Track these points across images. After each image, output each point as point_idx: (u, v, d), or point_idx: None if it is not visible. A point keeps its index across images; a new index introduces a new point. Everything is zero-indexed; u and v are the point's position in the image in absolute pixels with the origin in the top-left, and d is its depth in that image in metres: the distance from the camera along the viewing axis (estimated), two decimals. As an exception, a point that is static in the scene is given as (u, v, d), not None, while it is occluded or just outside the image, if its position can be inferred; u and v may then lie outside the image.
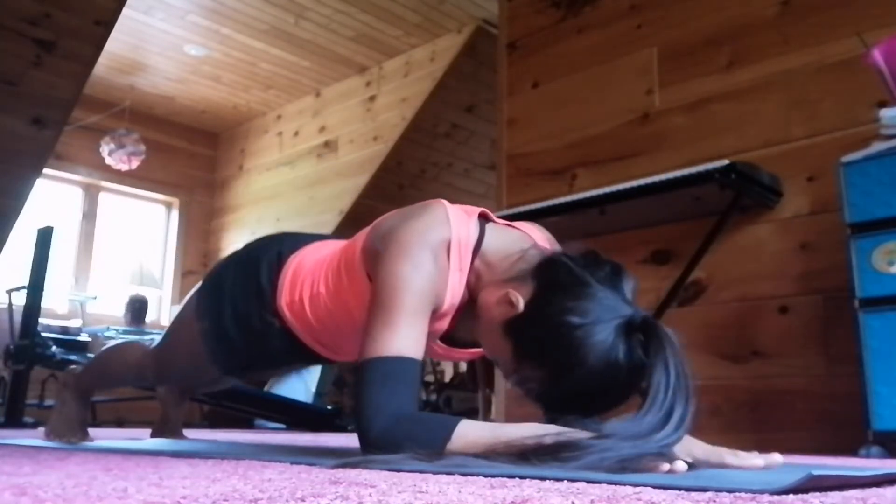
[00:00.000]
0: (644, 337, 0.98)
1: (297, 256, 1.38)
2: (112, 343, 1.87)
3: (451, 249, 1.12)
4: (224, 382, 1.73)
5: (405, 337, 1.05)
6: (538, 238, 1.24)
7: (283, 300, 1.34)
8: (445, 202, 1.18)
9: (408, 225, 1.13)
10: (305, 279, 1.32)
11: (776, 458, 1.02)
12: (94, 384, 1.91)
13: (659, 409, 0.89)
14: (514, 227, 1.24)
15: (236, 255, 1.52)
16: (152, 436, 2.03)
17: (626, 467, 0.83)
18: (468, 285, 1.16)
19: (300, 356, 1.42)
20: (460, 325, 1.21)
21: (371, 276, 1.16)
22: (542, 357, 1.01)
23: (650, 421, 0.88)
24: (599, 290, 1.01)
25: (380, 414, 1.00)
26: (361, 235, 1.25)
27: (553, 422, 0.97)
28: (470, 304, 1.17)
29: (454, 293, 1.14)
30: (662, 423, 0.88)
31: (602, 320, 0.98)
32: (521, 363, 1.05)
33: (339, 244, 1.36)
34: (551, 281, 1.04)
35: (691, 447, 1.01)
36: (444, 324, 1.18)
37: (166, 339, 1.62)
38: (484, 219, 1.21)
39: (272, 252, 1.41)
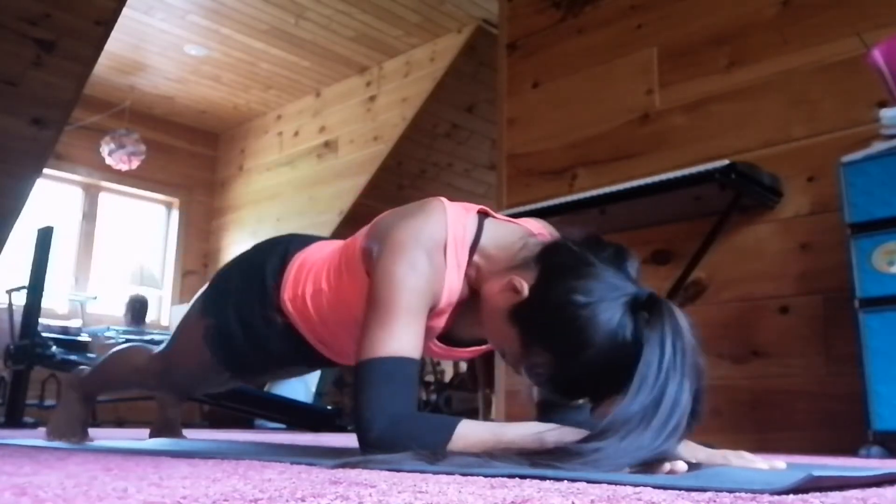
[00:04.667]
0: (649, 314, 0.96)
1: (302, 255, 1.38)
2: (115, 345, 1.86)
3: (447, 247, 1.12)
4: (227, 385, 1.73)
5: (402, 337, 1.05)
6: (538, 230, 1.24)
7: (286, 295, 1.34)
8: (444, 200, 1.18)
9: (404, 224, 1.13)
10: (308, 276, 1.32)
11: (779, 465, 1.01)
12: (98, 389, 1.91)
13: (651, 388, 0.86)
14: (513, 221, 1.24)
15: (243, 256, 1.53)
16: (151, 436, 2.03)
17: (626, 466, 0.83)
18: (468, 281, 1.16)
19: (303, 357, 1.42)
20: (458, 324, 1.21)
21: (369, 274, 1.16)
22: (550, 340, 1.00)
23: (642, 401, 0.86)
24: (603, 270, 1.00)
25: (379, 414, 1.00)
26: (361, 233, 1.25)
27: (553, 421, 0.97)
28: (469, 301, 1.17)
29: (452, 291, 1.14)
30: (654, 406, 0.85)
31: (607, 298, 0.97)
32: (528, 350, 1.04)
33: (342, 242, 1.36)
34: (554, 264, 1.04)
35: (695, 451, 1.00)
36: (441, 322, 1.18)
37: (173, 341, 1.61)
38: (483, 214, 1.21)
39: (277, 251, 1.42)
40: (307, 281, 1.32)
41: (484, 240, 1.16)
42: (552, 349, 1.00)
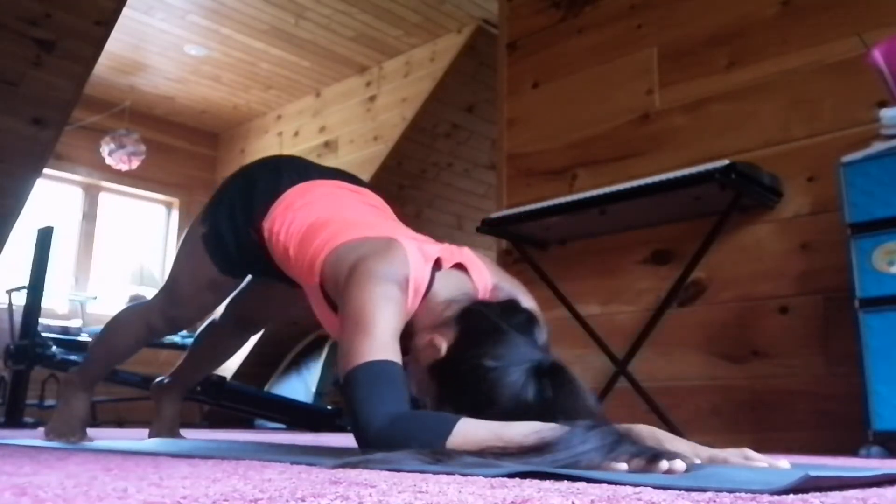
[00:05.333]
0: (551, 379, 1.06)
1: (291, 194, 1.51)
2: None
3: (409, 287, 1.20)
4: (225, 297, 1.80)
5: (384, 344, 1.10)
6: (483, 277, 1.31)
7: (266, 224, 1.50)
8: (405, 243, 1.25)
9: (374, 259, 1.20)
10: (284, 225, 1.45)
11: (782, 464, 1.01)
12: (100, 368, 1.91)
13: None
14: (462, 267, 1.30)
15: (241, 172, 1.69)
16: (151, 436, 2.03)
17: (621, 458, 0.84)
18: (412, 319, 1.23)
19: (276, 275, 1.55)
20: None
21: (336, 302, 1.25)
22: (461, 396, 1.09)
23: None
24: (513, 336, 1.11)
25: (376, 415, 1.01)
26: (323, 253, 1.32)
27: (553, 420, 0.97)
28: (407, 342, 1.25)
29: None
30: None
31: (514, 364, 1.07)
32: (443, 403, 1.13)
33: (319, 209, 1.45)
34: (470, 328, 1.15)
35: (698, 451, 1.00)
36: None
37: (174, 263, 1.75)
38: (437, 266, 1.27)
39: (272, 178, 1.56)
40: (282, 228, 1.45)
41: (433, 291, 1.24)
42: (463, 404, 1.07)
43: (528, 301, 1.31)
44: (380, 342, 1.09)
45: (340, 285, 1.22)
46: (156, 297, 1.78)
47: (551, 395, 1.04)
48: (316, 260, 1.32)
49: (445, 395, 1.14)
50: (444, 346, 1.15)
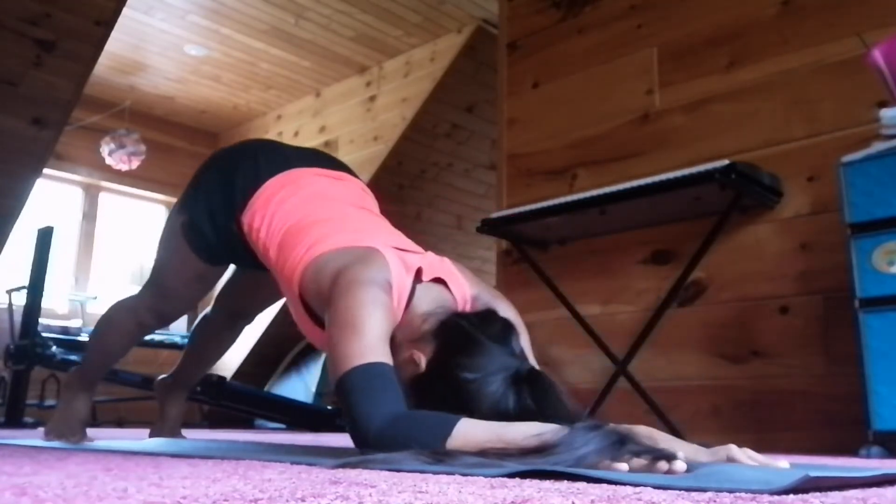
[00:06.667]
0: (530, 387, 1.08)
1: (273, 185, 1.49)
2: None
3: (392, 292, 1.20)
4: (212, 285, 1.79)
5: (374, 347, 1.10)
6: (462, 289, 1.32)
7: (245, 218, 1.49)
8: (386, 253, 1.25)
9: (357, 266, 1.20)
10: (264, 220, 1.44)
11: (782, 464, 1.01)
12: (98, 369, 1.91)
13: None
14: (440, 280, 1.30)
15: (217, 160, 1.66)
16: (151, 435, 2.03)
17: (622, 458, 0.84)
18: (394, 332, 1.22)
19: (257, 265, 1.54)
20: None
21: (319, 313, 1.25)
22: (443, 409, 1.08)
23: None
24: (490, 347, 1.12)
25: (374, 416, 1.01)
26: (303, 260, 1.31)
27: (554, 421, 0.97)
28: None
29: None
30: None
31: (492, 373, 1.09)
32: None
33: (301, 207, 1.44)
34: (447, 341, 1.17)
35: (698, 453, 1.00)
36: None
37: (156, 256, 1.74)
38: (417, 278, 1.27)
39: (250, 170, 1.54)
40: (262, 223, 1.44)
41: (414, 303, 1.24)
42: None
43: (506, 310, 1.31)
44: (371, 344, 1.09)
45: (324, 295, 1.21)
46: (142, 292, 1.77)
47: (531, 402, 1.05)
48: (295, 270, 1.31)
49: (427, 409, 1.12)
50: (423, 360, 1.17)
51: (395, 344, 1.21)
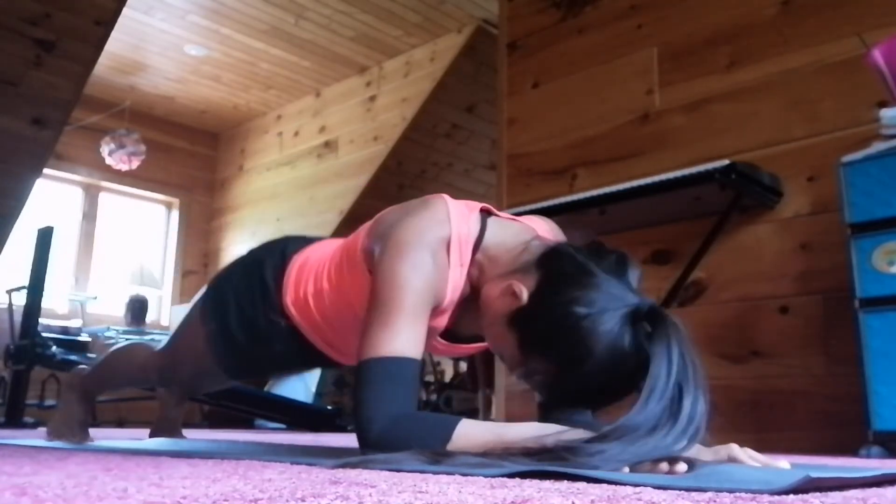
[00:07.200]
0: (650, 326, 0.96)
1: (302, 255, 1.38)
2: (115, 345, 1.88)
3: (451, 246, 1.11)
4: (228, 383, 1.74)
5: (404, 337, 1.04)
6: (543, 230, 1.23)
7: (289, 298, 1.33)
8: (447, 197, 1.17)
9: (407, 223, 1.12)
10: (309, 276, 1.32)
11: (782, 464, 1.01)
12: (99, 386, 1.91)
13: (660, 398, 0.86)
14: (517, 220, 1.24)
15: (241, 259, 1.52)
16: (151, 435, 2.03)
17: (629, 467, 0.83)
18: (470, 279, 1.15)
19: (307, 358, 1.41)
20: (462, 320, 1.20)
21: (371, 272, 1.15)
22: (549, 349, 1.00)
23: (652, 411, 0.85)
24: (604, 280, 1.00)
25: (379, 414, 1.00)
26: (363, 230, 1.25)
27: (554, 421, 0.97)
28: (471, 298, 1.16)
29: (455, 289, 1.14)
30: (669, 414, 0.85)
31: (608, 309, 0.96)
32: (526, 356, 1.04)
33: (342, 241, 1.35)
34: (555, 271, 1.03)
35: (700, 453, 1.00)
36: (443, 320, 1.18)
37: (173, 341, 1.62)
38: (486, 213, 1.20)
39: (276, 252, 1.41)
40: (308, 281, 1.31)
41: (487, 239, 1.15)
42: (550, 358, 1.00)
43: None
44: (399, 334, 1.03)
45: (376, 257, 1.12)
46: (158, 353, 1.70)
47: (649, 344, 0.93)
48: (356, 243, 1.22)
49: (529, 349, 1.03)
50: (524, 292, 1.04)
51: (478, 283, 1.12)
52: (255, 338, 1.39)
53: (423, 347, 1.07)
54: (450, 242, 1.11)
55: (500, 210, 1.32)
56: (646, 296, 1.03)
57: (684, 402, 0.87)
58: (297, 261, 1.37)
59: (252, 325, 1.39)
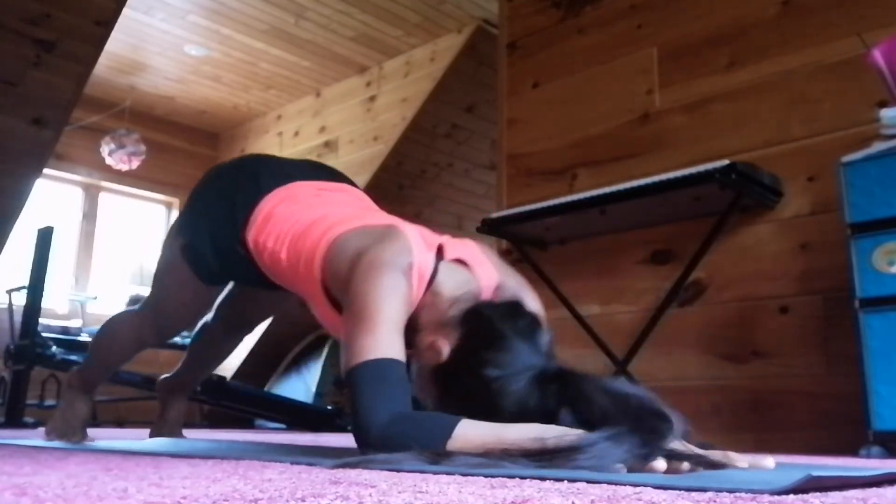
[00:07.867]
0: (560, 385, 1.03)
1: (273, 199, 1.45)
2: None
3: (412, 274, 1.17)
4: (210, 305, 1.80)
5: (388, 342, 1.08)
6: (488, 274, 1.27)
7: (250, 235, 1.44)
8: (406, 230, 1.22)
9: (379, 247, 1.17)
10: (270, 234, 1.40)
11: (767, 463, 1.01)
12: (98, 374, 1.91)
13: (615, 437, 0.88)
14: (463, 262, 1.27)
15: (215, 178, 1.62)
16: (151, 435, 2.03)
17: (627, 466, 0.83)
18: (416, 313, 1.20)
19: (263, 283, 1.52)
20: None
21: (339, 299, 1.22)
22: (463, 403, 1.06)
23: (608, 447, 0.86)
24: (516, 343, 1.08)
25: (376, 415, 1.00)
26: (318, 252, 1.28)
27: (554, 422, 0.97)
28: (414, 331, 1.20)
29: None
30: (628, 440, 0.86)
31: (517, 372, 1.05)
32: (445, 407, 1.11)
33: (306, 211, 1.40)
34: (473, 334, 1.12)
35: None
36: None
37: (154, 278, 1.72)
38: (439, 254, 1.24)
39: (250, 183, 1.50)
40: (269, 236, 1.40)
41: (436, 283, 1.21)
42: (464, 411, 1.04)
43: (532, 302, 1.27)
44: (383, 339, 1.07)
45: (342, 279, 1.18)
46: (142, 309, 1.75)
47: (555, 403, 1.01)
48: (314, 256, 1.28)
49: (448, 401, 1.11)
50: (445, 349, 1.12)
51: (415, 326, 1.18)
52: (222, 256, 1.52)
53: (404, 354, 1.11)
54: (412, 271, 1.17)
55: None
56: (555, 358, 1.13)
57: (641, 422, 0.89)
58: (266, 206, 1.44)
59: (219, 247, 1.52)
